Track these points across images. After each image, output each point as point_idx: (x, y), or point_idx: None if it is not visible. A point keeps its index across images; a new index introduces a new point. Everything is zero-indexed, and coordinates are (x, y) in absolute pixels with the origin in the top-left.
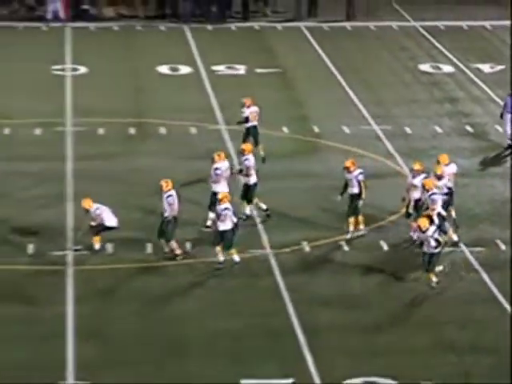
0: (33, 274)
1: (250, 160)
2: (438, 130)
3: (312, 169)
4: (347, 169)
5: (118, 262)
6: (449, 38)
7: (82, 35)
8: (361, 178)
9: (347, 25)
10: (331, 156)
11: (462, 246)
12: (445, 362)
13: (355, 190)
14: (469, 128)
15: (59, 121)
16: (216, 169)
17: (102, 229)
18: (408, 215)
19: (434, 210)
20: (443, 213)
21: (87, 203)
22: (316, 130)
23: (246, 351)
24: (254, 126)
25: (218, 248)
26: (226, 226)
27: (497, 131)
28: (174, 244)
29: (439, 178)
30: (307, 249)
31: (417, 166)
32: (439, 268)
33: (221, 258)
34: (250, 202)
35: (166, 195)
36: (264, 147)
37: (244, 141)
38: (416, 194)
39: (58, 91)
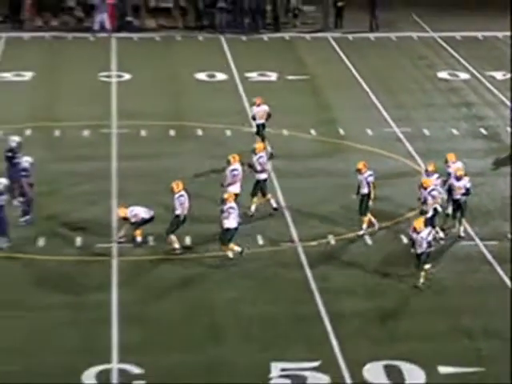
0: (80, 264)
1: (264, 158)
2: (455, 132)
3: (337, 168)
4: (359, 171)
5: (158, 253)
6: (465, 48)
7: (126, 45)
8: (370, 179)
9: (370, 35)
10: (355, 156)
11: (477, 240)
12: (460, 347)
13: (365, 191)
14: (483, 130)
15: (105, 123)
16: (232, 170)
17: (141, 223)
18: (457, 205)
19: (434, 204)
20: (439, 209)
21: (122, 212)
22: (341, 132)
23: (277, 336)
24: (262, 124)
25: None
26: (230, 223)
27: (508, 133)
28: (173, 238)
29: (458, 179)
30: (333, 242)
31: (430, 167)
32: (427, 266)
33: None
34: (264, 195)
35: (177, 196)
36: (293, 148)
37: (257, 134)
38: (459, 194)
39: (104, 96)
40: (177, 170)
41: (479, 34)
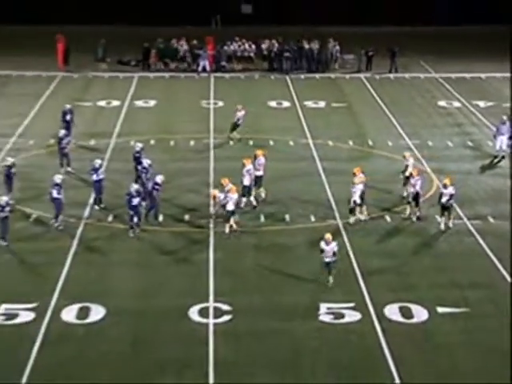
0: (187, 233)
1: (262, 160)
2: (449, 144)
3: (367, 168)
4: (353, 174)
5: (240, 226)
6: (457, 84)
7: (220, 82)
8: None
9: (391, 75)
10: (379, 160)
11: (465, 220)
12: (453, 294)
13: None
14: (469, 143)
15: (205, 136)
16: (248, 170)
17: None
18: (443, 207)
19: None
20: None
21: (215, 194)
22: (370, 143)
23: (323, 285)
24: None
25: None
26: (230, 207)
27: (488, 145)
28: (232, 220)
29: (445, 187)
30: (363, 217)
31: (447, 181)
32: (331, 277)
33: (227, 229)
34: (259, 186)
35: (226, 189)
36: (336, 154)
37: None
38: (445, 198)
39: (205, 117)
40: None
41: (467, 75)
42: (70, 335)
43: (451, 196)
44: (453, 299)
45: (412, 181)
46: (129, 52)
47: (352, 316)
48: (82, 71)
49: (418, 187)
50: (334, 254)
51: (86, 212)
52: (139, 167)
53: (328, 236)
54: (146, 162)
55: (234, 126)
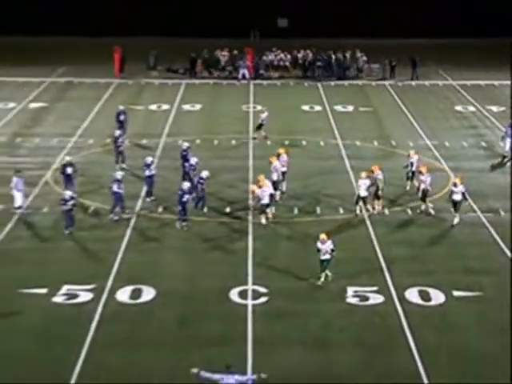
0: (229, 224)
1: (285, 157)
2: (465, 144)
3: (390, 166)
4: (372, 172)
5: (276, 217)
6: (473, 91)
7: (259, 88)
8: (380, 177)
9: (412, 83)
10: (402, 159)
11: (478, 212)
12: (468, 279)
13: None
14: (483, 143)
15: (245, 136)
16: (275, 167)
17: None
18: (454, 204)
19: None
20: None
21: (253, 189)
22: (393, 143)
23: (352, 270)
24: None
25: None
26: (265, 200)
27: (500, 146)
28: (268, 212)
29: (456, 185)
30: (387, 212)
31: (458, 180)
32: (329, 273)
33: (264, 220)
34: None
35: (261, 185)
36: (363, 153)
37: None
38: (456, 196)
39: (245, 120)
40: (288, 166)
41: (482, 83)
42: (124, 314)
43: (463, 194)
44: (467, 284)
45: (422, 178)
46: (177, 61)
47: (376, 299)
48: (136, 78)
49: (427, 184)
50: (329, 252)
51: (139, 204)
52: (186, 164)
53: (323, 236)
54: (193, 159)
55: (259, 126)
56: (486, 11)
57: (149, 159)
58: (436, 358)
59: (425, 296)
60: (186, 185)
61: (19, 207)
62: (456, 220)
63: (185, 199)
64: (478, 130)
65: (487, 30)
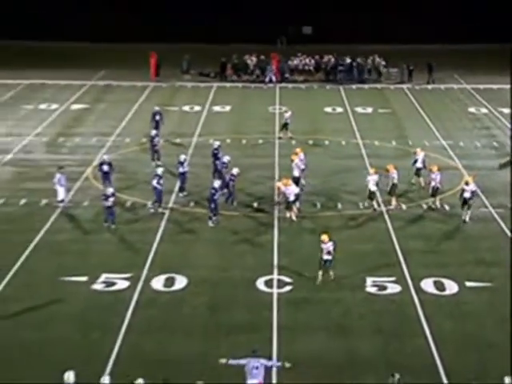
0: (256, 218)
1: (302, 155)
2: (478, 144)
3: (407, 165)
4: (387, 171)
5: (301, 212)
6: (485, 94)
7: (284, 91)
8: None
9: (428, 86)
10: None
11: (490, 208)
12: (479, 270)
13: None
14: (495, 143)
15: (271, 136)
16: (296, 164)
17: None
18: (464, 201)
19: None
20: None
21: (279, 185)
22: (410, 143)
23: (371, 263)
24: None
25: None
26: (291, 197)
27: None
28: (294, 208)
29: (467, 184)
30: (404, 207)
31: (469, 179)
32: (331, 273)
33: (294, 217)
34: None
35: (287, 183)
36: (381, 152)
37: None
38: (466, 194)
39: (271, 120)
40: (312, 164)
41: (494, 86)
42: (158, 300)
43: (473, 193)
44: (479, 275)
45: (432, 176)
46: (209, 65)
47: (393, 288)
48: (170, 81)
49: (437, 182)
50: (329, 252)
51: (172, 199)
52: (217, 162)
53: (324, 237)
54: (226, 158)
55: (284, 126)
56: (497, 20)
57: (182, 157)
58: (449, 344)
59: (439, 286)
60: (218, 183)
61: (62, 201)
62: (467, 217)
63: (216, 197)
64: (489, 131)
65: (499, 36)
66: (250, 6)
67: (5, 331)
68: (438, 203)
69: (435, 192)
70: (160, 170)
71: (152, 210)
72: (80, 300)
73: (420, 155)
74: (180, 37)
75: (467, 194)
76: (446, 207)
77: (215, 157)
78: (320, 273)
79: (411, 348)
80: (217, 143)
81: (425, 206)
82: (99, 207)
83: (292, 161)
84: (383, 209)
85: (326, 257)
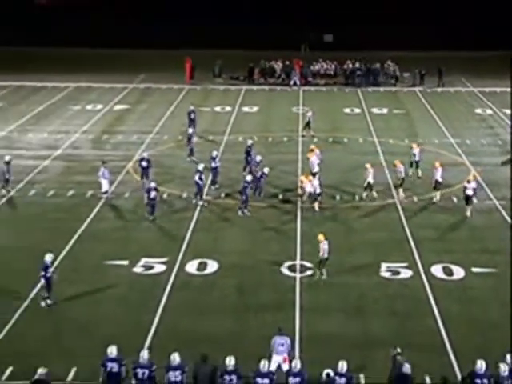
0: (281, 208)
1: (318, 152)
2: (483, 142)
3: (420, 159)
4: (394, 166)
5: (322, 203)
6: (490, 96)
7: (307, 93)
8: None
9: (438, 89)
10: (429, 155)
11: (494, 200)
12: (484, 257)
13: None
14: (499, 141)
15: (295, 134)
16: (311, 161)
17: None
18: (467, 198)
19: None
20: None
21: (302, 180)
22: (420, 140)
23: (385, 248)
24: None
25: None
26: (318, 190)
27: None
28: (316, 203)
29: (469, 182)
30: (415, 199)
31: (471, 177)
32: (323, 270)
33: (316, 207)
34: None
35: (310, 178)
36: (394, 149)
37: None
38: (468, 191)
39: (295, 120)
40: (332, 160)
41: (498, 89)
42: (192, 283)
43: (475, 190)
44: (484, 261)
45: (434, 171)
46: (238, 70)
47: (406, 273)
48: (203, 84)
49: (438, 176)
50: (325, 251)
51: (205, 191)
52: (249, 158)
53: (320, 237)
54: (258, 157)
55: (306, 125)
56: (502, 28)
57: (214, 153)
58: (456, 324)
59: (448, 271)
60: (250, 177)
61: (105, 192)
62: (468, 212)
63: (247, 190)
64: (494, 130)
65: (504, 44)
66: (276, 16)
67: (58, 309)
68: (438, 197)
69: (436, 186)
70: (201, 166)
71: (194, 201)
72: (122, 282)
73: (416, 150)
74: (213, 43)
75: (469, 192)
76: (454, 199)
77: (248, 153)
78: (317, 271)
79: (422, 328)
80: (250, 141)
81: (435, 200)
82: (139, 198)
83: (307, 159)
84: (396, 201)
85: (322, 255)
